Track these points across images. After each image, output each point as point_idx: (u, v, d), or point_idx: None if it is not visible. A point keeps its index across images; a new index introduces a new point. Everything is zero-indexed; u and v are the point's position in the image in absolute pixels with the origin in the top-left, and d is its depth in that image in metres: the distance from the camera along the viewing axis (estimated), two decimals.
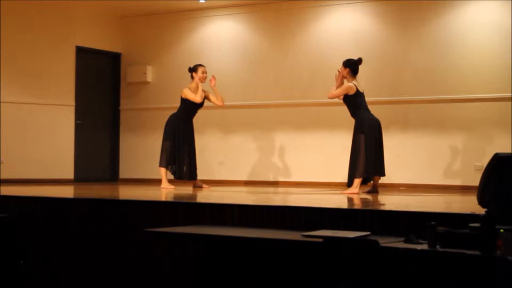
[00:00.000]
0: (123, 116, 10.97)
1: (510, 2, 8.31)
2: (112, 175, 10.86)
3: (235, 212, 4.69)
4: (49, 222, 5.48)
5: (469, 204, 5.07)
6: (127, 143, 10.86)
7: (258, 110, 9.90)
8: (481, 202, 3.72)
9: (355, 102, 7.14)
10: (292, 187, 8.74)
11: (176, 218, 4.86)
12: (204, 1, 9.97)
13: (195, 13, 10.40)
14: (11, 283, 5.41)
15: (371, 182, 7.16)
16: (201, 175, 8.20)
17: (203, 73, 7.97)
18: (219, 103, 8.14)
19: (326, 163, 9.28)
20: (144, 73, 10.67)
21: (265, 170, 9.78)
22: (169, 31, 10.62)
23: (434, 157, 8.72)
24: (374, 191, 7.11)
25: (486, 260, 3.10)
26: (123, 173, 10.85)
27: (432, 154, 8.73)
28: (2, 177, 9.11)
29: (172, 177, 8.00)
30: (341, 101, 7.32)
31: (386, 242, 3.50)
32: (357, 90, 7.12)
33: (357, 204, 5.43)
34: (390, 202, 5.99)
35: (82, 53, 10.42)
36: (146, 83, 10.73)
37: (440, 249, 3.27)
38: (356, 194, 6.82)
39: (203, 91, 7.97)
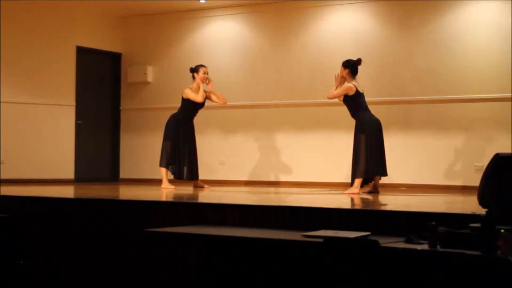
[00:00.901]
0: (123, 116, 10.97)
1: (510, 2, 8.32)
2: (112, 175, 10.86)
3: (236, 212, 4.69)
4: (49, 222, 5.48)
5: (470, 204, 5.07)
6: (127, 143, 10.86)
7: (259, 110, 9.90)
8: (482, 202, 3.72)
9: (355, 103, 7.14)
10: (293, 187, 8.74)
11: (176, 218, 4.86)
12: (204, 1, 9.97)
13: (196, 13, 10.40)
14: (11, 283, 5.42)
15: (372, 182, 7.16)
16: (201, 175, 8.19)
17: (204, 73, 7.96)
18: (220, 101, 8.15)
19: (327, 163, 9.28)
20: (145, 73, 10.67)
21: (266, 170, 9.78)
22: (169, 31, 10.62)
23: (435, 157, 8.71)
24: (374, 191, 7.11)
25: (487, 260, 3.09)
26: (124, 173, 10.85)
27: (432, 154, 8.73)
28: (2, 177, 9.11)
29: (172, 177, 8.00)
30: (341, 101, 7.33)
31: (386, 242, 3.49)
32: (357, 91, 7.12)
33: (358, 204, 5.43)
34: (391, 202, 5.98)
35: (82, 53, 10.42)
36: (147, 83, 10.73)
37: (441, 249, 3.27)
38: (357, 194, 6.82)
39: (204, 91, 7.96)
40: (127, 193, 7.25)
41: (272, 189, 8.31)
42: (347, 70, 7.21)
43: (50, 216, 5.50)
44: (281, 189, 8.25)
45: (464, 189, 8.22)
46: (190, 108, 7.97)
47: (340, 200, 5.97)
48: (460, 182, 8.52)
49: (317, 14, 9.59)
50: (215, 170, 9.93)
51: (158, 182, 8.16)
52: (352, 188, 6.96)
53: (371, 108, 7.28)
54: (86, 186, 8.59)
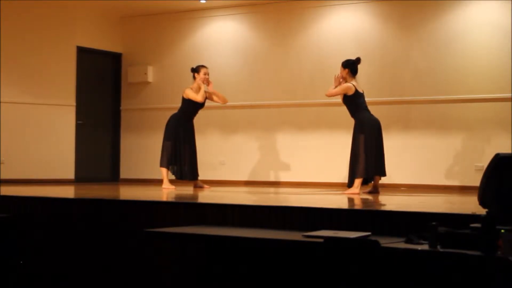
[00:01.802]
0: (124, 116, 10.97)
1: (510, 2, 8.32)
2: (112, 175, 10.86)
3: (236, 212, 4.69)
4: (49, 222, 5.47)
5: (470, 205, 5.07)
6: (127, 143, 10.86)
7: (259, 110, 9.90)
8: (482, 203, 3.71)
9: (354, 103, 7.14)
10: (293, 187, 8.74)
11: (177, 218, 4.86)
12: (204, 1, 9.98)
13: (196, 13, 10.41)
14: (11, 283, 5.41)
15: (372, 182, 7.16)
16: (201, 175, 8.19)
17: (205, 74, 7.96)
18: (221, 101, 8.16)
19: (327, 163, 9.28)
20: (145, 73, 10.67)
21: (266, 170, 9.78)
22: (170, 31, 10.63)
23: (435, 157, 8.71)
24: (374, 191, 7.10)
25: (487, 260, 3.09)
26: (124, 173, 10.85)
27: (432, 155, 8.73)
28: (2, 177, 9.11)
29: (173, 177, 8.00)
30: (341, 101, 7.33)
31: (386, 242, 3.49)
32: (356, 90, 7.11)
33: (358, 204, 5.43)
34: (391, 202, 5.98)
35: (83, 53, 10.42)
36: (147, 83, 10.73)
37: (441, 250, 3.27)
38: (357, 194, 6.82)
39: (205, 91, 7.97)
40: (127, 193, 7.24)
41: (272, 189, 8.31)
42: (347, 70, 7.20)
43: (50, 216, 5.50)
44: (281, 189, 8.25)
45: (464, 189, 8.21)
46: (190, 108, 7.97)
47: (340, 200, 5.97)
48: (460, 182, 8.52)
49: (317, 14, 9.59)
50: (215, 170, 9.93)
51: (158, 182, 8.15)
52: (352, 188, 6.96)
53: (371, 108, 7.27)
54: (86, 186, 8.59)
